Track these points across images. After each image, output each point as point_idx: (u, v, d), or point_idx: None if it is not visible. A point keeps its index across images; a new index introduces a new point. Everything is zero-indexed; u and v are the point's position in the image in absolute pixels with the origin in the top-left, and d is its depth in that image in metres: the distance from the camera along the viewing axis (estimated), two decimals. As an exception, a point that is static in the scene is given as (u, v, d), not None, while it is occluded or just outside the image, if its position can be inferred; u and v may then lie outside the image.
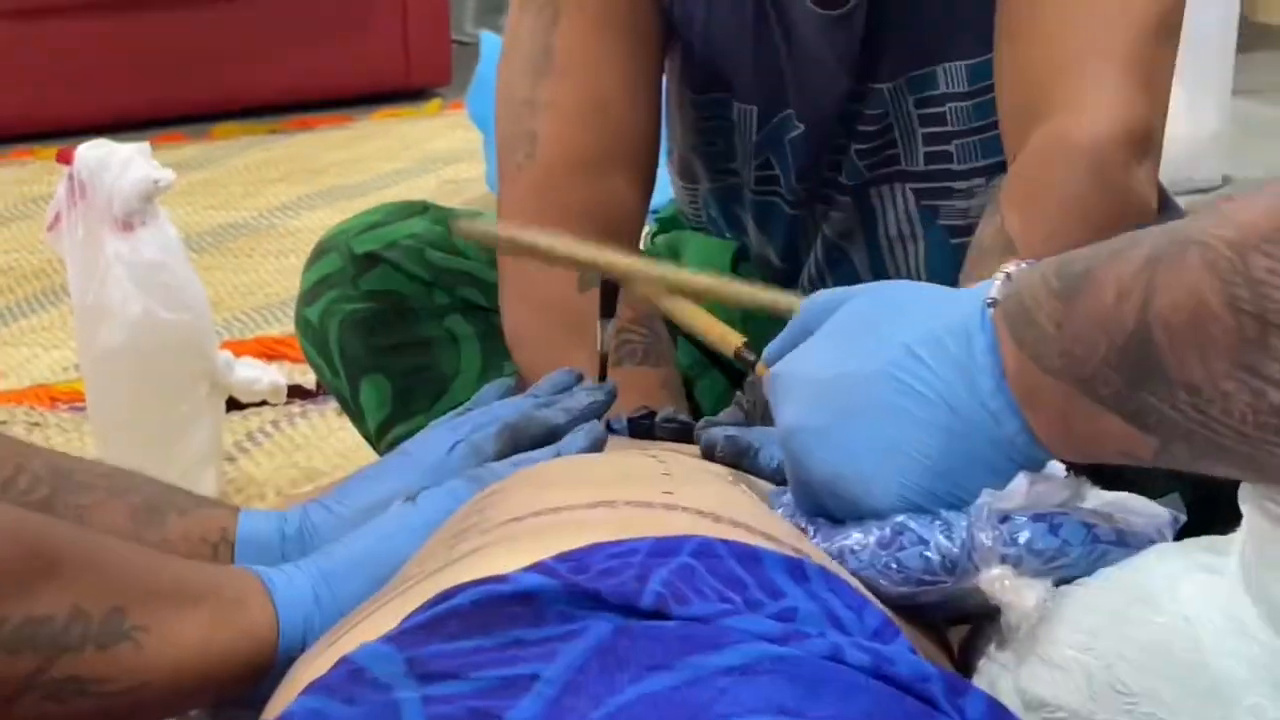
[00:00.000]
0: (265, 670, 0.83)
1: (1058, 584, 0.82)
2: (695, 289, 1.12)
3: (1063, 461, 0.85)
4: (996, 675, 0.82)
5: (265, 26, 4.48)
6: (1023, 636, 0.80)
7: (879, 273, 1.47)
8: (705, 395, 1.48)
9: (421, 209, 1.52)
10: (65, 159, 1.96)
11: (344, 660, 0.67)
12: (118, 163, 1.94)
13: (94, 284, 1.95)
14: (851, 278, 1.47)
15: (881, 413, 0.84)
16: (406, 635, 0.67)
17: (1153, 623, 0.77)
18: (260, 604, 0.84)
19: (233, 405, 2.19)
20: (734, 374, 1.46)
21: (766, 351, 0.97)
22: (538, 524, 0.79)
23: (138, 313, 1.93)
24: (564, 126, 1.37)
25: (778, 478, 1.00)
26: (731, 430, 1.01)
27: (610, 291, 1.11)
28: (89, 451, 2.09)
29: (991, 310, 0.83)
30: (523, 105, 1.38)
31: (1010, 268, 0.85)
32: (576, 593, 0.68)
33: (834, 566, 0.82)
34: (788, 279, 1.50)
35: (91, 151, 1.95)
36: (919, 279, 1.41)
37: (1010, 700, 0.80)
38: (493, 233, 1.25)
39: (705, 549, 0.73)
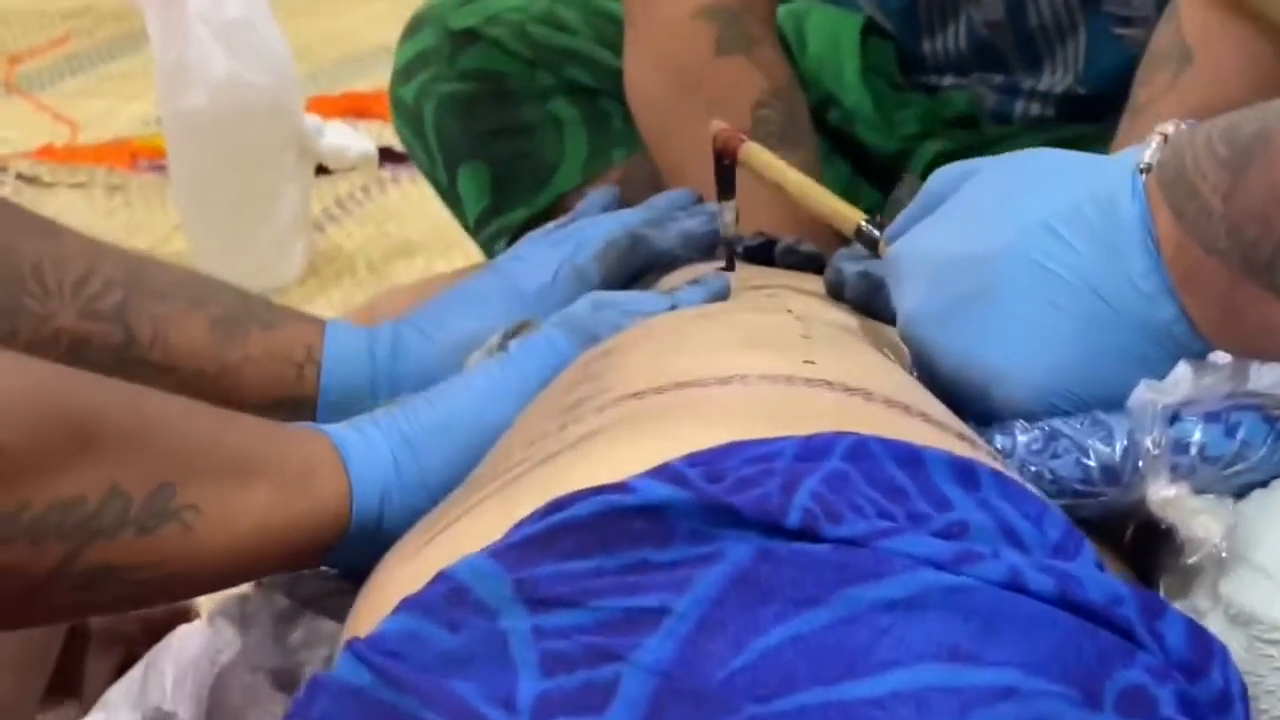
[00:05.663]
0: (333, 546, 0.78)
1: (1239, 493, 0.74)
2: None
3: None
4: (1190, 582, 0.73)
5: None
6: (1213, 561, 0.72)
7: (1032, 68, 1.35)
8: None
9: (526, -22, 1.43)
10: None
11: (443, 576, 0.60)
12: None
13: (176, 41, 1.92)
14: (1001, 67, 1.36)
15: (1013, 297, 0.78)
16: (514, 550, 0.60)
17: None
18: (331, 474, 0.78)
19: (320, 169, 2.18)
20: (859, 162, 1.38)
21: (889, 230, 0.90)
22: (661, 404, 0.71)
23: (221, 75, 1.91)
24: None
25: None
26: (863, 265, 0.92)
27: (727, 170, 1.03)
28: (171, 220, 2.04)
29: (1145, 178, 0.75)
30: None
31: (1168, 128, 0.76)
32: (710, 507, 0.60)
33: (1002, 464, 0.74)
34: (917, 62, 1.39)
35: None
36: (1080, 78, 1.31)
37: (1209, 613, 0.71)
38: None
39: (859, 449, 0.64)
